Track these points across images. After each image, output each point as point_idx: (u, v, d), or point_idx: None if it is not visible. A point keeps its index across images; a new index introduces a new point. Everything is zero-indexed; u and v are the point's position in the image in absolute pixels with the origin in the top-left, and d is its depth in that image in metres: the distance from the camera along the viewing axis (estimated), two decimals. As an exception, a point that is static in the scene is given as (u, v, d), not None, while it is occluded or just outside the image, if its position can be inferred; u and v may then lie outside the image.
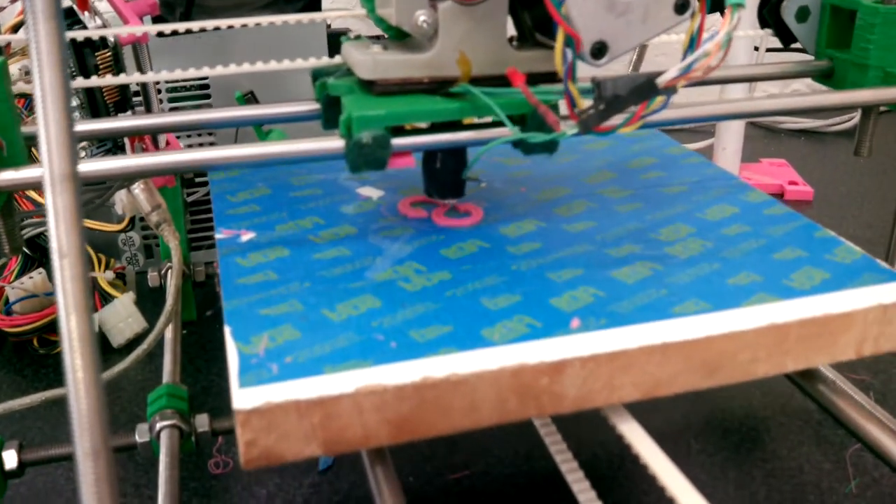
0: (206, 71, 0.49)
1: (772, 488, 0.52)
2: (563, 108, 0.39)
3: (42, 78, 0.28)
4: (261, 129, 0.60)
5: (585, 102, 0.36)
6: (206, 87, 0.66)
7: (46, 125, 0.28)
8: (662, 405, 0.59)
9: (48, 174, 0.28)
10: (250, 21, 0.54)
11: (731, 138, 1.00)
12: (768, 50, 0.55)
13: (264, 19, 0.54)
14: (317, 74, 0.46)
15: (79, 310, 0.27)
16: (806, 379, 0.45)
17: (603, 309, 0.37)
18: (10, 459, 0.45)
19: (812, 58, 0.54)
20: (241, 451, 0.32)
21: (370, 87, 0.41)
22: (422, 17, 0.39)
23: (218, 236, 0.44)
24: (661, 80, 0.35)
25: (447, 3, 0.39)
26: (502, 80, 0.40)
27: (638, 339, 0.35)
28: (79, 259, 0.28)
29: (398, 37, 0.42)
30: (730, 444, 0.56)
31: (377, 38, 0.45)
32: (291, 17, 0.53)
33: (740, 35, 0.58)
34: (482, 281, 0.40)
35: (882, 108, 0.51)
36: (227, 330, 0.36)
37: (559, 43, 0.36)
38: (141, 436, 0.47)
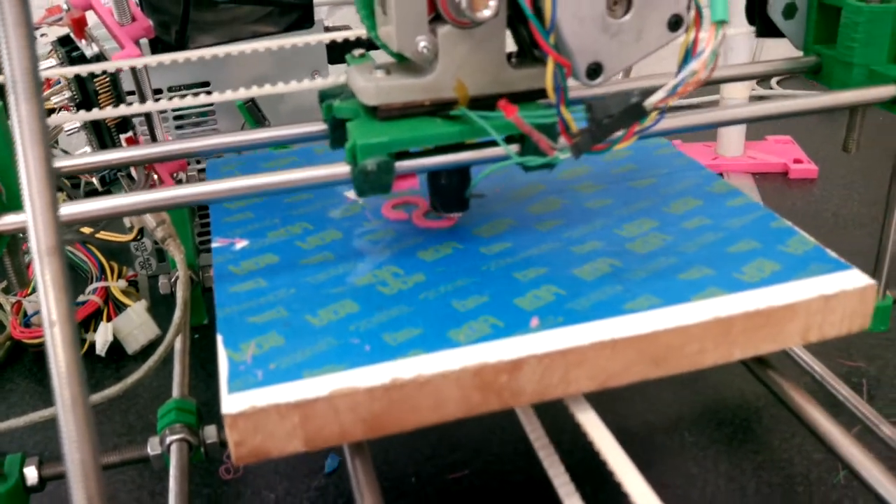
0: (202, 99, 0.52)
1: (761, 481, 0.55)
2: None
3: (26, 158, 0.30)
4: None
5: (578, 125, 0.38)
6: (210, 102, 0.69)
7: (32, 204, 0.30)
8: (656, 397, 0.62)
9: (35, 249, 0.30)
10: (246, 48, 0.56)
11: (733, 118, 1.01)
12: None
13: (261, 44, 0.55)
14: (324, 96, 0.47)
15: (71, 375, 0.29)
16: (758, 365, 0.48)
17: (561, 307, 0.40)
18: (32, 476, 0.49)
19: (802, 54, 0.55)
20: (231, 451, 0.36)
21: (374, 112, 0.42)
22: (422, 43, 0.40)
23: (214, 245, 0.48)
24: (650, 102, 0.36)
25: (446, 28, 0.40)
26: (499, 99, 0.41)
27: (590, 336, 0.38)
28: (68, 325, 0.30)
29: (399, 59, 0.44)
30: (722, 437, 0.59)
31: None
32: (287, 41, 0.55)
33: (740, 32, 0.59)
34: (454, 283, 0.43)
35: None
36: (218, 338, 0.39)
37: (549, 71, 0.37)
38: (153, 449, 0.51)
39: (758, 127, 1.08)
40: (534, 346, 0.38)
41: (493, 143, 0.42)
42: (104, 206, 0.40)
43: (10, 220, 0.40)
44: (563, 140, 0.39)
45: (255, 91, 0.50)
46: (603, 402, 0.59)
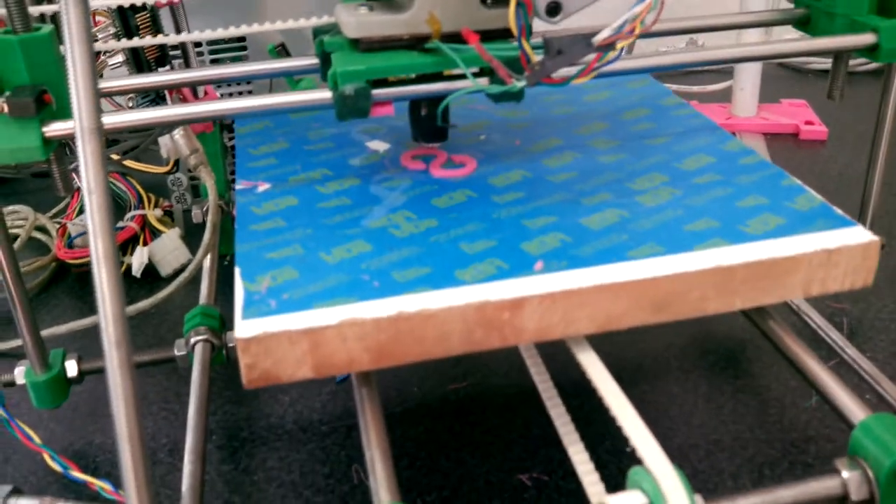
0: (231, 31, 0.55)
1: (738, 402, 0.58)
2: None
3: (73, 50, 0.34)
4: (292, 79, 0.66)
5: (538, 57, 0.41)
6: (243, 39, 0.71)
7: (77, 88, 0.34)
8: (650, 328, 0.64)
9: (78, 128, 0.34)
10: None
11: (748, 80, 1.02)
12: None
13: None
14: (316, 32, 0.50)
15: (104, 234, 0.33)
16: (758, 315, 0.49)
17: (566, 252, 0.42)
18: (72, 369, 0.54)
19: (793, 6, 0.57)
20: (242, 373, 0.38)
21: (356, 45, 0.45)
22: None
23: (237, 187, 0.50)
24: (596, 40, 0.39)
25: None
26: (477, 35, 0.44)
27: (591, 280, 0.39)
28: (103, 195, 0.34)
29: None
30: (706, 363, 0.62)
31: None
32: None
33: None
34: (464, 228, 0.45)
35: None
36: (236, 270, 0.41)
37: (511, 9, 0.40)
38: (179, 349, 0.56)
39: (773, 90, 1.09)
40: (536, 286, 0.39)
41: (465, 76, 0.44)
42: (135, 118, 0.44)
43: (59, 127, 0.42)
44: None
45: (279, 25, 0.52)
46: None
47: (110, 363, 0.32)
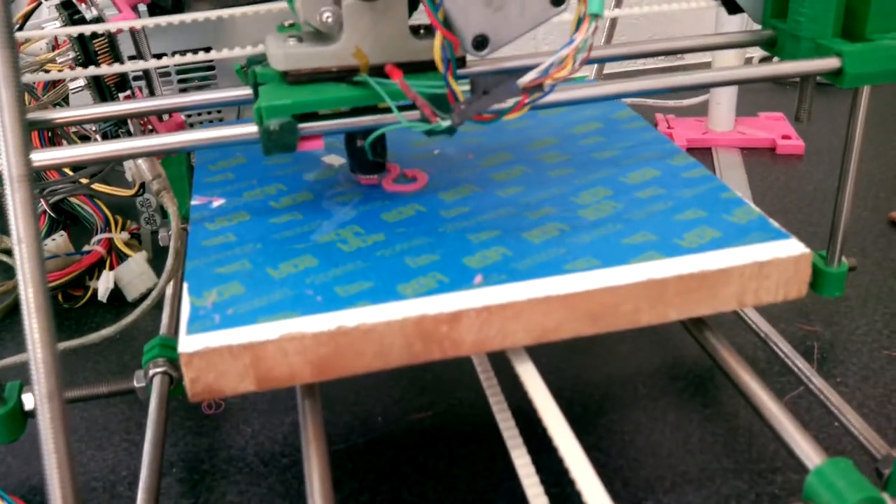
0: (188, 58, 0.55)
1: (706, 430, 0.58)
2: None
3: (0, 99, 0.34)
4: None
5: (465, 95, 0.41)
6: (211, 61, 0.72)
7: (4, 137, 0.34)
8: (616, 351, 0.65)
9: (7, 176, 0.34)
10: (236, 11, 0.59)
11: (724, 94, 1.03)
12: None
13: (249, 9, 0.59)
14: (250, 62, 0.50)
15: (35, 283, 0.33)
16: (695, 326, 0.50)
17: (506, 266, 0.43)
18: (29, 402, 0.53)
19: (760, 27, 0.57)
20: (187, 387, 0.39)
21: (285, 77, 0.45)
22: (326, 13, 0.43)
23: (192, 203, 0.51)
24: (522, 82, 0.40)
25: (349, 0, 0.43)
26: (408, 67, 0.44)
27: (526, 293, 0.41)
28: (33, 244, 0.34)
29: (311, 29, 0.46)
30: (675, 390, 0.62)
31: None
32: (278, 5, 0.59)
33: (700, 6, 0.61)
34: (410, 242, 0.46)
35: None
36: (184, 286, 0.43)
37: (437, 43, 0.40)
38: (138, 381, 0.55)
39: (751, 103, 1.11)
40: (473, 300, 0.40)
41: (402, 108, 0.44)
42: (68, 155, 0.42)
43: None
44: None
45: (249, 51, 0.53)
46: (564, 355, 0.63)
47: (42, 416, 0.32)
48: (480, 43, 0.42)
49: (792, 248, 0.44)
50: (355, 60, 0.44)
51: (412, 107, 0.44)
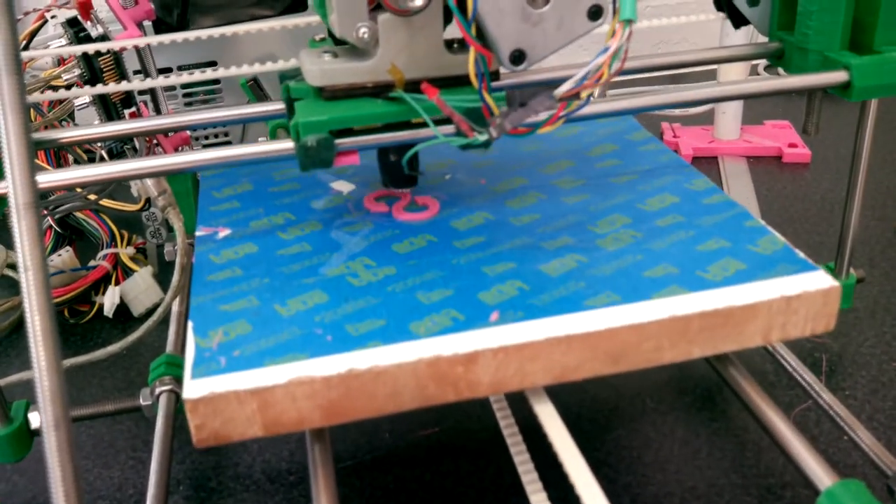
0: (196, 76, 0.55)
1: (714, 445, 0.57)
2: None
3: (6, 125, 0.33)
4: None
5: (502, 109, 0.41)
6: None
7: (11, 164, 0.33)
8: None
9: (13, 204, 0.33)
10: (240, 28, 0.59)
11: (731, 103, 1.02)
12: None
13: (253, 26, 0.59)
14: (283, 77, 0.49)
15: (41, 311, 0.33)
16: (718, 362, 0.49)
17: (523, 302, 0.41)
18: (35, 420, 0.52)
19: (767, 39, 0.56)
20: (192, 434, 0.37)
21: (320, 92, 0.45)
22: (362, 29, 0.43)
23: (197, 234, 0.50)
24: (558, 93, 0.39)
25: (385, 15, 0.43)
26: (443, 82, 0.44)
27: (545, 332, 0.39)
28: (40, 271, 0.33)
29: (347, 44, 0.46)
30: (683, 405, 0.61)
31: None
32: (284, 22, 0.58)
33: (708, 19, 0.61)
34: (422, 276, 0.44)
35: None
36: (189, 325, 0.41)
37: (471, 59, 0.40)
38: (144, 399, 0.55)
39: (757, 111, 1.10)
40: (490, 339, 0.39)
41: (436, 123, 0.44)
42: (79, 175, 0.42)
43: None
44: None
45: (256, 69, 0.52)
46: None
47: (49, 444, 0.31)
48: (517, 58, 0.41)
49: (820, 280, 0.42)
50: (390, 76, 0.44)
51: (446, 121, 0.43)
